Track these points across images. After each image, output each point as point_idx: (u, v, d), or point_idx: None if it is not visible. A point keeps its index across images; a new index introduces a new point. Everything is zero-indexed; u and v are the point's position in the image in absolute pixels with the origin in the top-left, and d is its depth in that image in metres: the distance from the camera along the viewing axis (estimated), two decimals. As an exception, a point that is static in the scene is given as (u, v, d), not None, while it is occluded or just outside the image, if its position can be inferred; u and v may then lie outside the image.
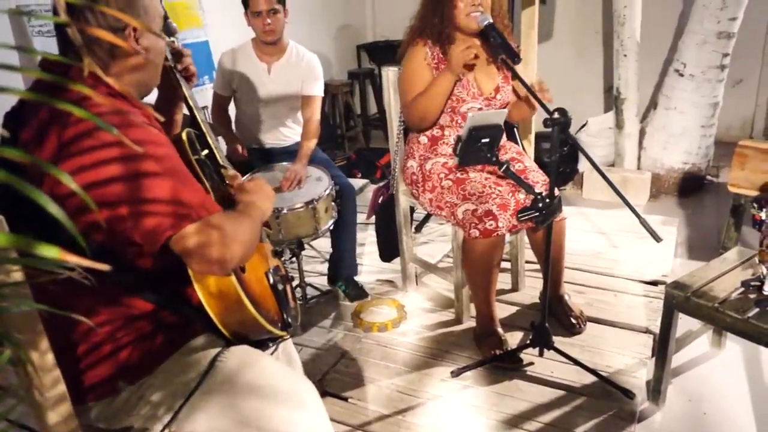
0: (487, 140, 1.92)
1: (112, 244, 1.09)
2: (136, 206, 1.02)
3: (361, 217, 2.88)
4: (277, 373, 1.22)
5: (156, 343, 1.20)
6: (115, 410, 1.18)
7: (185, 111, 1.47)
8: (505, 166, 1.96)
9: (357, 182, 4.10)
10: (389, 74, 2.42)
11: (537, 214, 1.90)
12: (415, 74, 2.25)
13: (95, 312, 1.15)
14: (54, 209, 0.49)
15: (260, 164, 2.60)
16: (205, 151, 1.36)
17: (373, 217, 2.71)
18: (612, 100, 4.01)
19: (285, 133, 2.71)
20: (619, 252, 3.00)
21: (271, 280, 1.39)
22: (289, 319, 1.38)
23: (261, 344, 1.31)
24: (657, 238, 1.72)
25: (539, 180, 2.20)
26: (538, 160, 2.40)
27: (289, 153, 2.63)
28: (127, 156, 1.02)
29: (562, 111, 1.82)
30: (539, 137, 3.25)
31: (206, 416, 1.10)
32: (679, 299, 1.87)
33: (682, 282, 1.92)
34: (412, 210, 2.66)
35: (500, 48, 2.08)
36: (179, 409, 1.12)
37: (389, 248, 2.70)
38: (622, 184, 3.81)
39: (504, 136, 2.39)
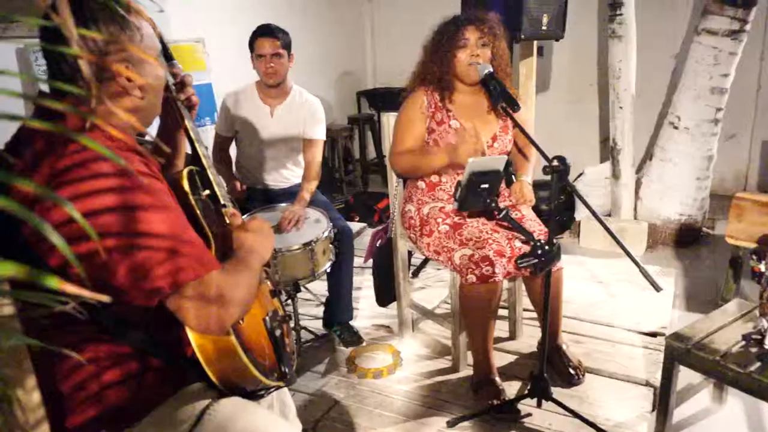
0: (486, 186, 1.93)
1: (96, 281, 1.02)
2: (127, 240, 0.98)
3: (358, 261, 2.86)
4: (267, 426, 1.17)
5: (145, 384, 1.14)
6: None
7: (187, 149, 1.46)
8: (504, 212, 1.97)
9: (354, 225, 4.09)
10: (389, 119, 2.45)
11: (536, 261, 1.89)
12: (409, 123, 2.28)
13: (80, 349, 1.09)
14: (56, 239, 0.47)
15: (260, 204, 2.60)
16: (206, 192, 1.35)
17: (371, 260, 2.69)
18: (608, 151, 4.06)
19: (285, 175, 2.72)
20: (617, 302, 2.98)
21: (269, 326, 1.35)
22: (286, 369, 1.33)
23: (254, 394, 1.26)
24: (657, 288, 1.71)
25: (536, 229, 2.20)
26: (535, 208, 2.41)
27: (290, 194, 2.63)
28: (123, 188, 0.98)
29: (561, 159, 1.84)
30: (536, 185, 3.27)
31: None
32: (680, 351, 1.85)
33: (682, 334, 1.90)
34: (410, 254, 2.65)
35: (500, 96, 2.11)
36: None
37: (386, 293, 2.67)
38: (619, 234, 3.79)
39: (503, 184, 2.41)
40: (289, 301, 2.45)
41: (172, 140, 1.43)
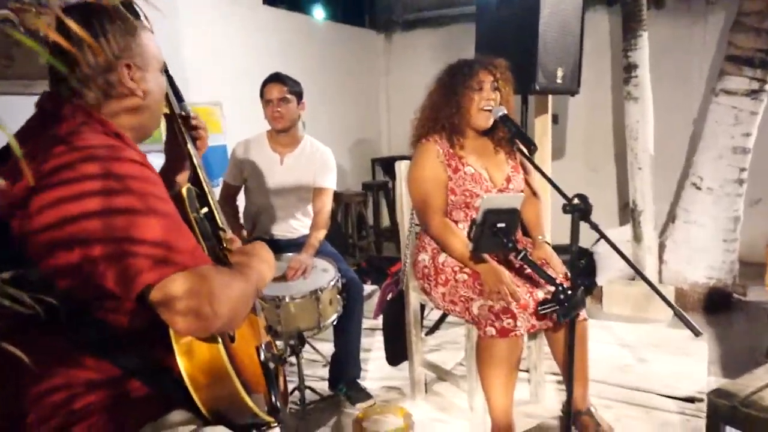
0: (503, 225, 1.82)
1: (82, 292, 0.96)
2: (111, 246, 0.90)
3: (367, 323, 2.71)
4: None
5: (118, 417, 1.02)
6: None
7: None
8: (522, 253, 1.84)
9: (366, 288, 3.95)
10: (401, 166, 2.39)
11: (558, 307, 1.74)
12: (435, 181, 2.15)
13: (51, 374, 0.98)
14: None
15: (265, 254, 2.49)
16: (205, 209, 1.27)
17: (381, 317, 2.54)
18: (628, 215, 3.94)
19: (294, 225, 2.63)
20: (647, 366, 2.76)
21: (262, 357, 1.23)
22: (278, 404, 1.20)
23: (243, 429, 1.12)
24: (696, 332, 1.55)
25: (558, 273, 2.06)
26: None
27: (297, 245, 2.53)
28: (109, 190, 0.92)
29: (581, 197, 1.73)
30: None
31: None
32: (725, 409, 1.65)
33: (726, 390, 1.70)
34: (423, 308, 2.50)
35: (515, 137, 2.04)
36: None
37: (397, 350, 2.50)
38: (644, 299, 3.63)
39: (519, 230, 2.30)
40: (293, 357, 2.29)
41: (176, 160, 1.40)
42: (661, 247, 3.89)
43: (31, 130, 1.04)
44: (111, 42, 1.07)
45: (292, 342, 2.24)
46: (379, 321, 2.55)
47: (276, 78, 2.48)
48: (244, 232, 2.52)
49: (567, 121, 5.07)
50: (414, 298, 2.41)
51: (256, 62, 4.22)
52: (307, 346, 2.97)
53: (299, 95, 2.51)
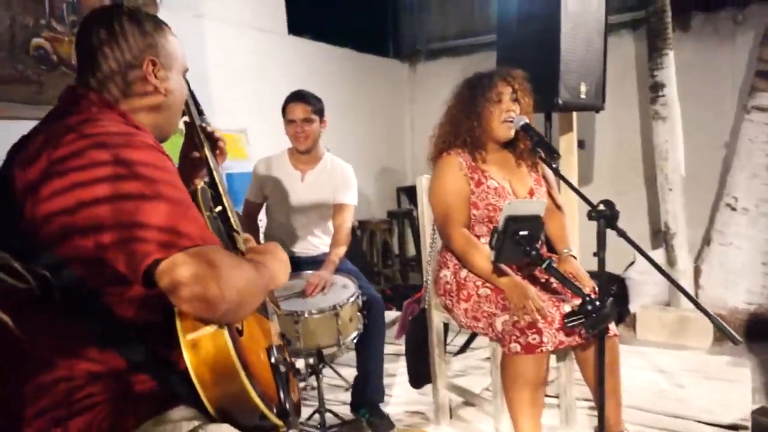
0: (525, 233, 1.76)
1: (90, 279, 0.95)
2: (119, 230, 0.90)
3: (391, 348, 2.62)
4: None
5: (119, 412, 0.98)
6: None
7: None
8: (547, 262, 1.76)
9: (390, 314, 3.88)
10: (423, 181, 2.35)
11: (585, 318, 1.65)
12: (458, 194, 2.10)
13: (52, 365, 0.97)
14: None
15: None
16: (219, 208, 1.26)
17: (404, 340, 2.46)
18: (660, 239, 3.82)
19: (314, 242, 2.61)
20: (685, 392, 2.61)
21: (272, 359, 1.18)
22: (288, 406, 1.14)
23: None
24: (735, 341, 1.44)
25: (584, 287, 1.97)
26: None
27: (316, 263, 2.49)
28: (117, 176, 0.91)
29: (607, 203, 1.67)
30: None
31: None
32: (771, 428, 1.53)
33: (771, 408, 1.59)
34: (446, 328, 2.42)
35: (538, 146, 1.99)
36: None
37: (420, 372, 2.41)
38: (680, 326, 3.48)
39: (544, 245, 2.23)
40: (313, 376, 2.23)
41: (191, 168, 1.39)
42: (697, 272, 3.74)
43: (48, 121, 1.05)
44: (132, 40, 1.09)
45: (312, 361, 2.19)
46: (404, 346, 2.47)
47: (299, 97, 2.49)
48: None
49: (594, 146, 4.99)
50: (437, 317, 2.34)
51: (282, 90, 4.24)
52: (329, 371, 2.91)
53: (321, 113, 2.51)
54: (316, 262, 2.52)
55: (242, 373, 0.96)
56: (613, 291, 3.88)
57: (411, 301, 2.44)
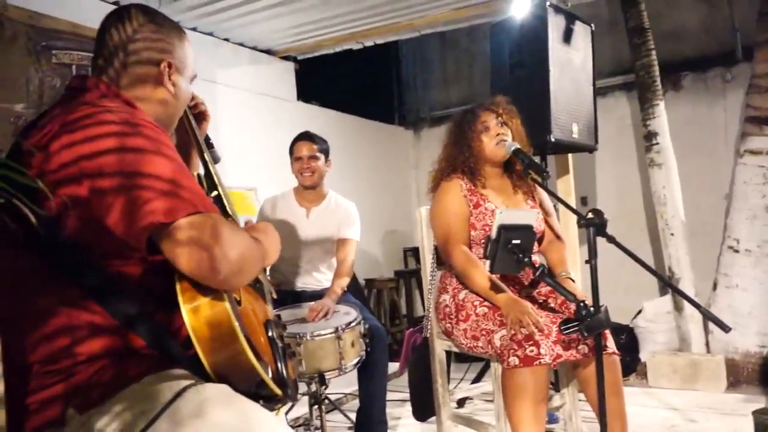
0: (518, 242, 1.82)
1: (91, 233, 0.99)
2: (121, 178, 0.96)
3: (398, 395, 2.58)
4: (256, 416, 0.99)
5: (124, 365, 1.01)
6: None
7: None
8: (540, 269, 1.82)
9: (392, 366, 3.83)
10: (421, 212, 2.44)
11: (579, 323, 1.68)
12: (458, 215, 2.18)
13: (53, 313, 0.99)
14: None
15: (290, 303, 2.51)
16: (215, 193, 1.33)
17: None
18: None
19: (318, 278, 2.67)
20: (697, 426, 2.55)
21: (270, 333, 1.22)
22: (284, 372, 1.16)
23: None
24: (725, 328, 1.46)
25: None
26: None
27: (321, 297, 2.54)
28: (122, 133, 1.00)
29: (596, 211, 1.74)
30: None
31: None
32: (774, 426, 1.51)
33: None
34: (449, 356, 2.42)
35: (528, 167, 2.09)
36: None
37: (424, 404, 2.39)
38: (692, 369, 3.41)
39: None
40: (316, 408, 2.22)
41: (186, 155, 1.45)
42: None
43: (59, 102, 1.13)
44: (152, 37, 1.18)
45: (314, 389, 2.19)
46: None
47: (306, 137, 2.64)
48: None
49: (597, 201, 5.09)
50: (439, 346, 2.35)
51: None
52: (337, 414, 2.87)
53: (326, 153, 2.66)
54: (320, 296, 2.57)
55: (241, 335, 0.99)
56: (622, 339, 3.84)
57: (413, 330, 2.46)
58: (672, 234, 3.70)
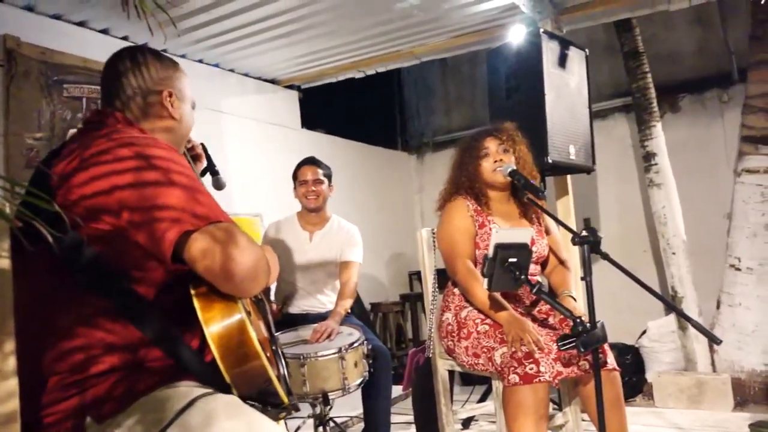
0: (515, 260, 1.86)
1: (113, 258, 1.07)
2: (142, 212, 1.04)
3: (404, 418, 2.59)
4: (264, 426, 1.04)
5: (134, 381, 1.07)
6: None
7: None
8: (537, 287, 1.86)
9: (396, 389, 3.84)
10: (423, 234, 2.49)
11: (576, 339, 1.71)
12: (464, 232, 2.23)
13: (72, 334, 1.07)
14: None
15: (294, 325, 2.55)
16: None
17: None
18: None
19: (322, 300, 2.72)
20: (703, 444, 2.54)
21: (274, 346, 1.28)
22: (290, 386, 1.22)
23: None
24: (716, 341, 1.49)
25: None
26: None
27: (325, 319, 2.58)
28: (139, 168, 1.07)
29: (590, 229, 1.79)
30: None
31: None
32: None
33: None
34: (452, 376, 2.44)
35: (524, 188, 2.14)
36: None
37: (428, 425, 2.41)
38: (698, 389, 3.41)
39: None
40: (321, 429, 2.24)
41: None
42: (710, 336, 3.71)
43: (77, 136, 1.23)
44: (153, 71, 1.30)
45: (318, 411, 2.21)
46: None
47: (311, 161, 2.73)
48: (274, 306, 2.60)
49: (599, 223, 5.12)
50: (441, 365, 2.38)
51: (295, 177, 4.58)
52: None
53: (330, 178, 2.73)
54: (324, 319, 2.61)
55: (256, 342, 1.05)
56: (628, 360, 3.84)
57: (416, 350, 2.49)
58: (674, 253, 3.73)
